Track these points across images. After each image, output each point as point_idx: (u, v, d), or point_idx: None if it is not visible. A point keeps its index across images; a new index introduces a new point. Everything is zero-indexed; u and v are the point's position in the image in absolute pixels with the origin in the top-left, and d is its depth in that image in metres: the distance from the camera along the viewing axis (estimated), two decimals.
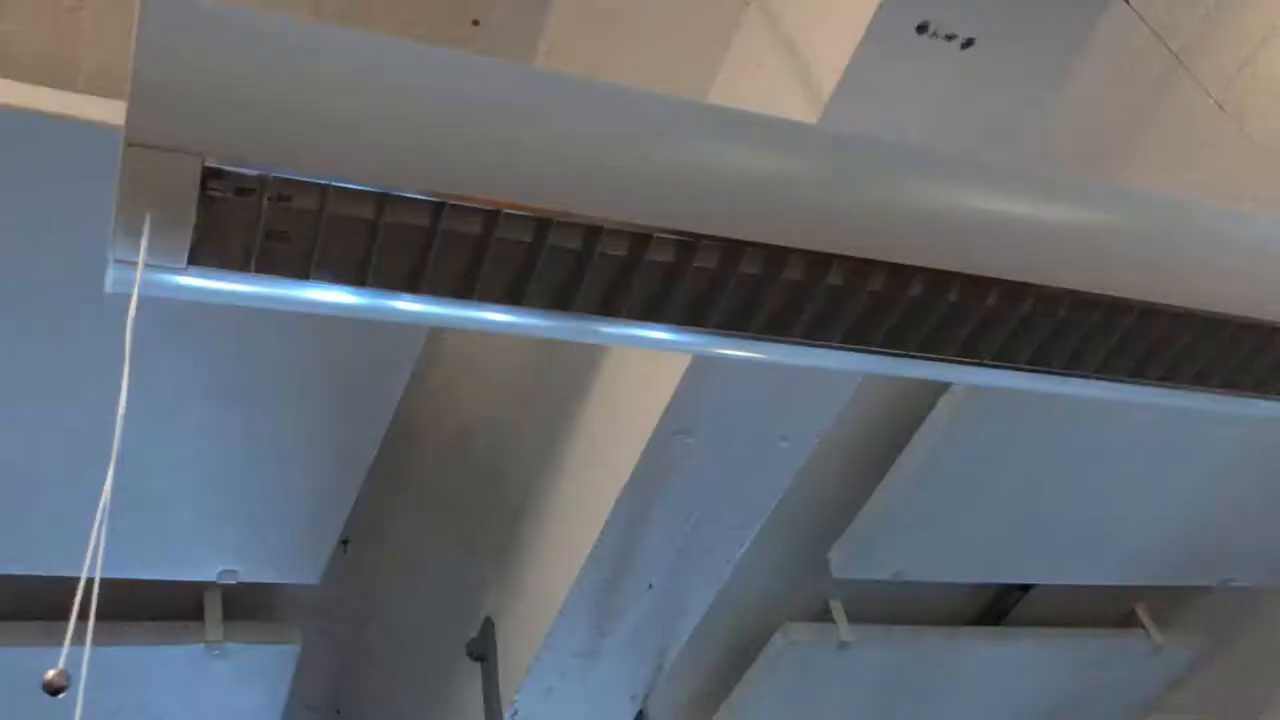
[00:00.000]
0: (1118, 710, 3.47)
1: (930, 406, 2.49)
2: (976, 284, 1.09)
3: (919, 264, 1.06)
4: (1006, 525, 2.75)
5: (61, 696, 0.83)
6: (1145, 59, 1.95)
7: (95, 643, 0.82)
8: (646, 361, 1.93)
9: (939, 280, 1.08)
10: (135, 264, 0.94)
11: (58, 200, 1.56)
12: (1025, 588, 3.14)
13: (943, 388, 2.47)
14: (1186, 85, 2.01)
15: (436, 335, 2.07)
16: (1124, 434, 2.58)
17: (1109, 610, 3.29)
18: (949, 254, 1.06)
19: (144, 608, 2.23)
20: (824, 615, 2.88)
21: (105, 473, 0.88)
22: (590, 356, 2.15)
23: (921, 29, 1.42)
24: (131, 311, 0.95)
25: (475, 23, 1.66)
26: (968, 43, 1.44)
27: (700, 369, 1.80)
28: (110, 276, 0.97)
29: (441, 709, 2.87)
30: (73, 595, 0.83)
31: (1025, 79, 1.54)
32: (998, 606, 3.17)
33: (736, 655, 2.94)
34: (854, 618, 2.88)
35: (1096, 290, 1.13)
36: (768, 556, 2.56)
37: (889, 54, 1.44)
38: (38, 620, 2.09)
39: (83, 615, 0.82)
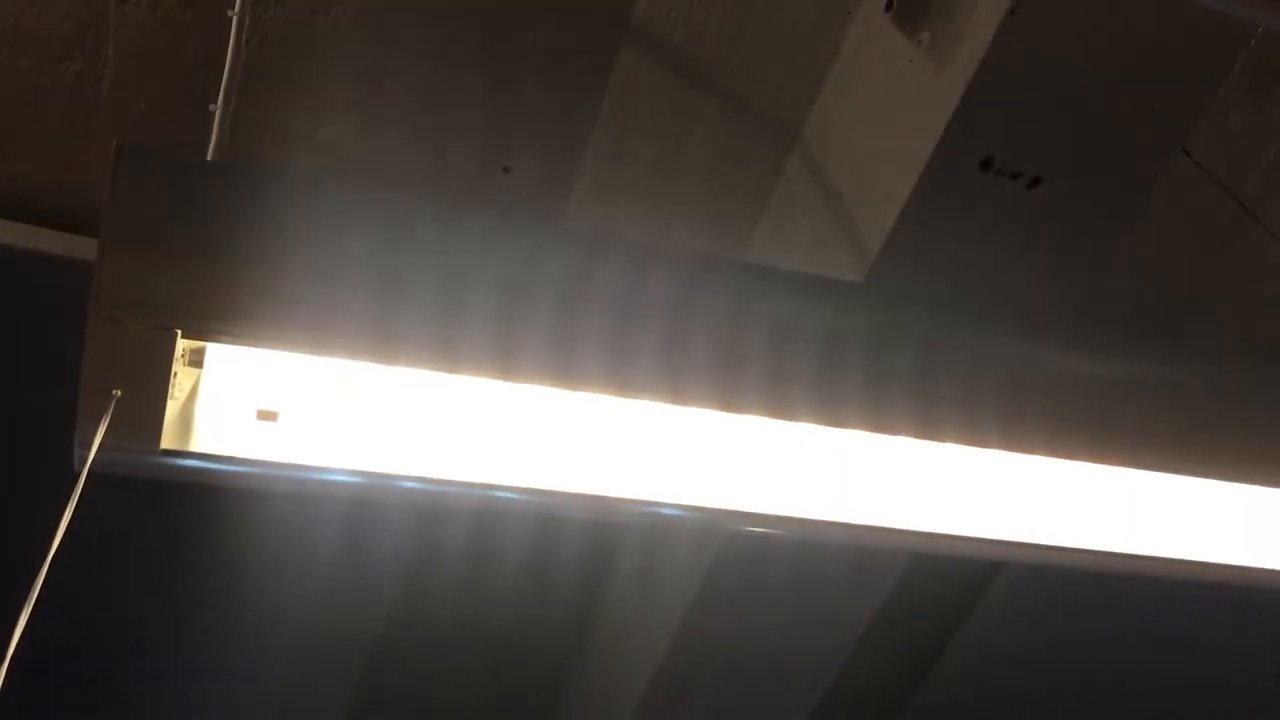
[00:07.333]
0: None
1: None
2: None
3: None
4: None
5: None
6: (1208, 215, 1.82)
7: None
8: None
9: None
10: (106, 448, 0.83)
11: (60, 343, 1.46)
12: None
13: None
14: (1251, 241, 1.87)
15: None
16: None
17: None
18: None
19: None
20: None
21: None
22: None
23: (985, 165, 1.31)
24: (71, 504, 0.83)
25: (506, 169, 1.57)
26: (1034, 181, 1.33)
27: None
28: (77, 457, 0.86)
29: None
30: None
31: (1095, 221, 1.41)
32: None
33: None
34: None
35: None
36: None
37: (948, 195, 1.33)
38: None
39: None
